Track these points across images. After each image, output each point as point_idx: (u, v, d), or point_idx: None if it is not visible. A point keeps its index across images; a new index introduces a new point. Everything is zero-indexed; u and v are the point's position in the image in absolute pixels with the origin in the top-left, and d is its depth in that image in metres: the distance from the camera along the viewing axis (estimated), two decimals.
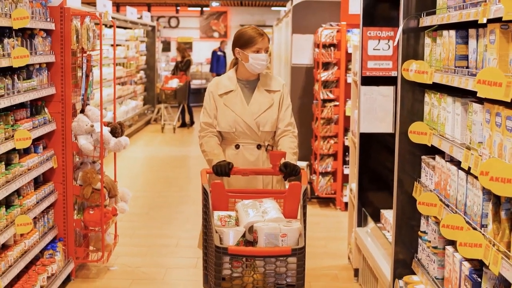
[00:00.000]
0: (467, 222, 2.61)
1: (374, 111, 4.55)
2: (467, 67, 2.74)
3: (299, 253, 2.82)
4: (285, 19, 8.75)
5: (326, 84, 6.88)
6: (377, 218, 4.48)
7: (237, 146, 3.62)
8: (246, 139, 3.62)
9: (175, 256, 5.34)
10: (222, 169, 3.35)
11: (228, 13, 21.03)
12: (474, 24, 2.58)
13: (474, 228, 2.52)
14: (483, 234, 2.43)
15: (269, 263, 2.84)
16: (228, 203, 3.24)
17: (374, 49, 4.52)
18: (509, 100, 2.13)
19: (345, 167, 6.71)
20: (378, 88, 4.54)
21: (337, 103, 6.84)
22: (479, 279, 2.56)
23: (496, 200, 2.36)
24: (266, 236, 2.88)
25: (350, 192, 5.16)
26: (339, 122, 6.83)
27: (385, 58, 4.50)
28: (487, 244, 2.36)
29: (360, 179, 4.73)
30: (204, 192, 3.12)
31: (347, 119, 6.49)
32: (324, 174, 6.98)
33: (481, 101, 2.54)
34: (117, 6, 17.37)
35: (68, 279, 4.62)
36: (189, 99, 13.51)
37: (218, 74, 16.71)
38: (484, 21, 2.37)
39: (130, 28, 12.82)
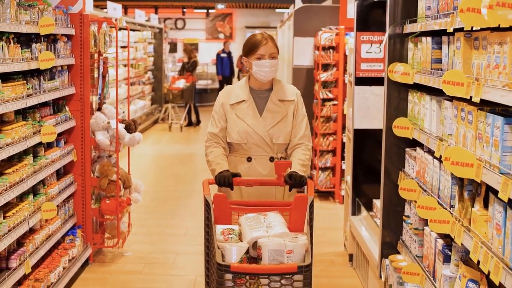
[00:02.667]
0: (439, 203, 3.01)
1: (367, 109, 4.96)
2: (441, 69, 3.14)
3: (306, 270, 2.67)
4: (288, 22, 9.16)
5: (325, 84, 7.30)
6: (369, 208, 4.89)
7: (249, 159, 3.47)
8: (258, 151, 3.46)
9: (184, 244, 5.76)
10: (225, 180, 3.23)
11: (234, 15, 21.44)
12: (447, 32, 2.98)
13: (444, 208, 2.92)
14: (450, 212, 2.83)
15: (274, 281, 2.69)
16: (231, 216, 3.12)
17: (366, 52, 4.93)
18: (468, 97, 2.53)
19: (343, 163, 7.10)
20: (371, 88, 4.95)
21: (335, 102, 7.25)
22: (449, 253, 2.96)
23: (461, 183, 2.77)
24: (271, 253, 2.75)
25: (346, 184, 5.56)
26: (338, 120, 7.24)
27: (377, 61, 4.91)
28: (453, 220, 2.77)
29: (354, 172, 5.14)
30: (206, 204, 3.00)
31: (345, 117, 6.89)
32: (324, 169, 7.39)
33: (452, 99, 2.94)
34: (125, 9, 17.80)
35: (86, 263, 5.04)
36: (195, 99, 13.93)
37: (224, 76, 17.01)
38: (452, 30, 2.78)
39: (139, 30, 13.26)
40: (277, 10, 20.10)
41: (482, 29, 2.49)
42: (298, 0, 9.11)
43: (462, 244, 2.67)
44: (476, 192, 2.66)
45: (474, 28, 2.51)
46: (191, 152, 11.00)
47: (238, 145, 3.48)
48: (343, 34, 7.09)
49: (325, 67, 7.33)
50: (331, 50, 7.25)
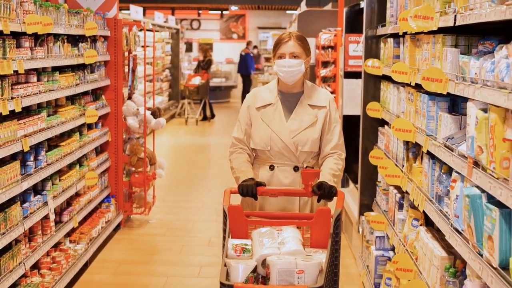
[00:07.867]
0: (396, 165, 3.95)
1: (354, 98, 5.89)
2: None
3: None
4: (294, 24, 10.11)
5: (325, 79, 8.24)
6: (356, 181, 5.80)
7: (272, 167, 3.24)
8: (281, 159, 3.22)
9: (200, 214, 6.73)
10: (248, 190, 2.99)
11: (246, 16, 22.42)
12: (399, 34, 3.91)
13: (398, 167, 3.86)
14: (401, 170, 3.77)
15: None
16: (247, 229, 2.91)
17: (353, 50, 5.87)
18: (409, 82, 3.46)
19: None
20: (357, 81, 5.88)
21: (334, 95, 8.18)
22: (403, 202, 3.90)
23: (408, 147, 3.70)
24: (279, 273, 2.52)
25: None
26: None
27: (362, 58, 5.82)
28: (402, 175, 3.70)
29: None
30: (225, 215, 2.85)
31: None
32: None
33: (404, 85, 3.87)
34: (144, 10, 18.78)
35: (118, 227, 6.02)
36: (209, 95, 14.89)
37: (243, 75, 17.61)
38: (402, 33, 3.71)
39: (157, 31, 14.26)
40: (287, 12, 21.01)
41: (419, 33, 3.41)
42: (303, 4, 10.08)
43: (406, 192, 3.61)
44: (418, 152, 3.60)
45: (416, 32, 3.44)
46: (206, 143, 11.98)
47: (262, 151, 3.27)
48: (341, 35, 7.99)
49: (325, 64, 8.27)
50: (330, 49, 8.18)
